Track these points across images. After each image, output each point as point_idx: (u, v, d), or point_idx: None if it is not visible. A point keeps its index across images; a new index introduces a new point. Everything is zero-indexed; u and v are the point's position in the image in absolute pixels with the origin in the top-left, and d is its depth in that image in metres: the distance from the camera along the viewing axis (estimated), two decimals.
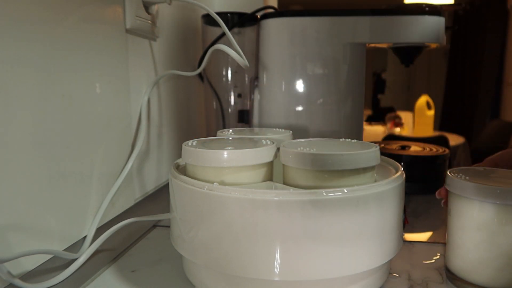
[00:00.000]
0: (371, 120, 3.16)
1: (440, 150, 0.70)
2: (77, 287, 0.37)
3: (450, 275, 0.38)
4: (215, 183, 0.33)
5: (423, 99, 2.25)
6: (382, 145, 0.75)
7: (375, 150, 0.35)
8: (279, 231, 0.30)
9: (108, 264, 0.41)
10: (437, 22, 0.62)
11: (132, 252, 0.44)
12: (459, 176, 0.36)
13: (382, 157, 0.40)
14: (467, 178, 0.36)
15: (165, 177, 0.69)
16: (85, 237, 0.46)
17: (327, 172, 0.33)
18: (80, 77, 0.45)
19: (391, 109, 3.10)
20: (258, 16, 0.68)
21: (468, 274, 0.36)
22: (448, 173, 0.37)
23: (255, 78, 0.69)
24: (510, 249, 0.34)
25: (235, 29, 0.72)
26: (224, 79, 0.75)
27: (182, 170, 0.39)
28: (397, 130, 2.50)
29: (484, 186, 0.34)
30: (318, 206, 0.30)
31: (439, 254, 0.43)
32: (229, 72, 0.75)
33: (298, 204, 0.30)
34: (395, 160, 0.40)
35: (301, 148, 0.35)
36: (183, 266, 0.38)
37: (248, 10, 0.71)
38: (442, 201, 0.43)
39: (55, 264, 0.40)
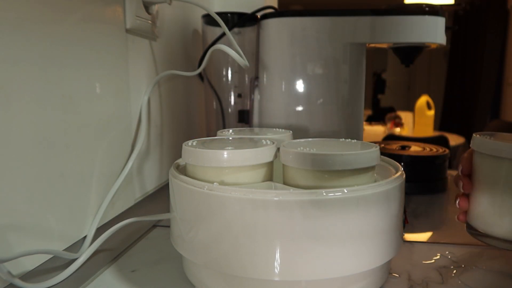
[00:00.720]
0: (371, 120, 3.16)
1: (440, 150, 0.70)
2: (77, 287, 0.37)
3: (473, 231, 0.41)
4: (215, 183, 0.33)
5: (423, 99, 2.25)
6: (382, 145, 0.75)
7: (375, 150, 0.35)
8: (279, 231, 0.30)
9: (108, 264, 0.41)
10: (437, 22, 0.62)
11: (132, 252, 0.44)
12: (486, 137, 0.39)
13: (382, 157, 0.40)
14: (494, 138, 0.38)
15: (165, 177, 0.69)
16: (85, 237, 0.46)
17: (327, 172, 0.33)
18: (80, 77, 0.45)
19: (391, 109, 3.11)
20: (258, 16, 0.68)
21: (491, 228, 0.39)
22: (475, 135, 0.40)
23: (255, 78, 0.69)
24: None
25: (235, 29, 0.72)
26: (224, 79, 0.75)
27: (182, 170, 0.39)
28: (397, 130, 2.50)
29: None
30: (318, 206, 0.30)
31: (439, 254, 0.43)
32: (229, 72, 0.75)
33: (298, 204, 0.30)
34: (395, 160, 0.40)
35: (301, 148, 0.35)
36: (183, 266, 0.38)
37: (248, 10, 0.71)
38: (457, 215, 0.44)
39: (55, 264, 0.40)
